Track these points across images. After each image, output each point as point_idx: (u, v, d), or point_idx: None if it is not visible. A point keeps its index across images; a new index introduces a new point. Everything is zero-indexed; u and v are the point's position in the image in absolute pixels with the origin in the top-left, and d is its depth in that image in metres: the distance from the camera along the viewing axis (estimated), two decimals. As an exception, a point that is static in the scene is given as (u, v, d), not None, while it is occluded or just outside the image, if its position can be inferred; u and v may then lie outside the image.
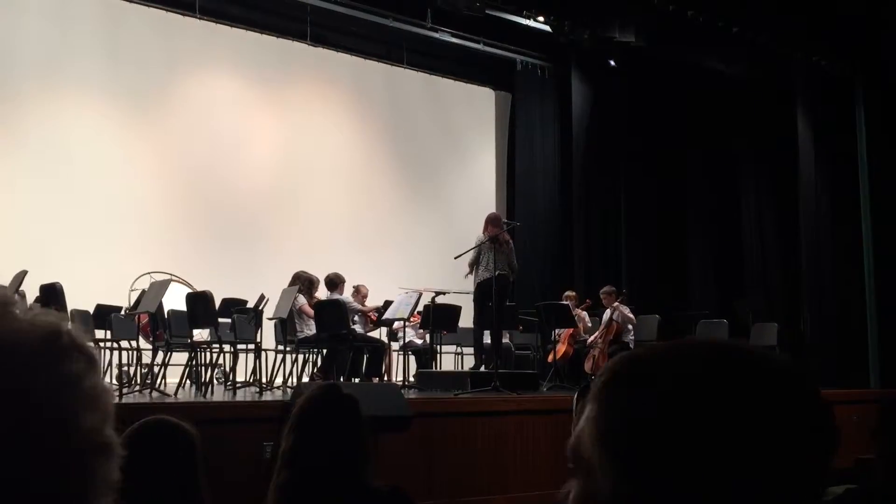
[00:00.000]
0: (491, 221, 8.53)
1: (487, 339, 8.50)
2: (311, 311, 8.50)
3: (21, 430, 0.48)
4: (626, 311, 9.94)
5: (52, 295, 6.85)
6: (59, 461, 0.49)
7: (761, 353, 0.71)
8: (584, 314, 10.25)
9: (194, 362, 7.88)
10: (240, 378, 8.03)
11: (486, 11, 11.02)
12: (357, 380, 8.20)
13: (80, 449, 0.50)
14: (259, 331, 7.83)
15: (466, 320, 9.11)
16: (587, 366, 9.71)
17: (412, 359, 9.58)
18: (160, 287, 7.71)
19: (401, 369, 8.96)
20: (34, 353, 0.49)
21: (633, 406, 0.67)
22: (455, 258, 8.31)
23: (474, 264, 8.28)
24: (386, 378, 9.11)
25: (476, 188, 13.16)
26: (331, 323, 8.06)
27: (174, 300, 8.29)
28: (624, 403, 0.68)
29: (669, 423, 0.65)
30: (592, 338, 9.98)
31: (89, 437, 0.50)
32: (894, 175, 10.96)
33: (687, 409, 0.65)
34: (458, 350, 10.18)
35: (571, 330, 9.76)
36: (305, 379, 8.25)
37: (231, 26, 11.33)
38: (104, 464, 0.51)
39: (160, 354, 7.62)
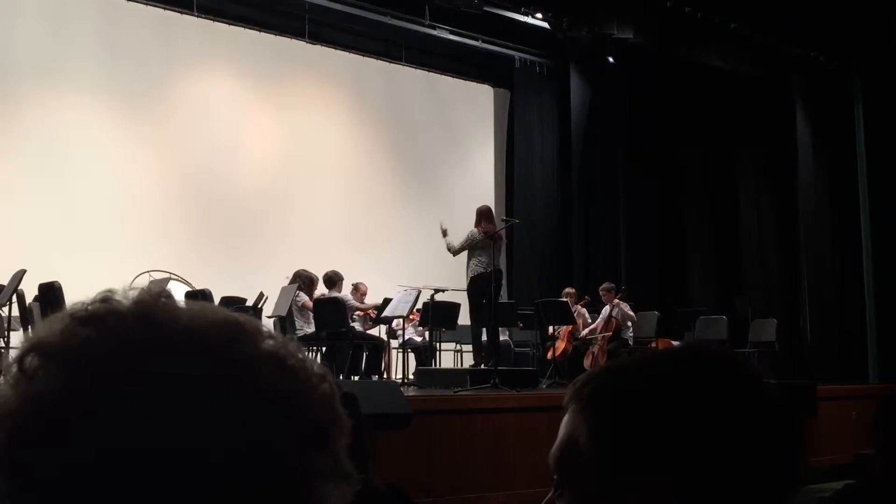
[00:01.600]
0: (483, 215, 8.45)
1: (486, 335, 8.50)
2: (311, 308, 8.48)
3: (287, 434, 0.54)
4: (626, 307, 9.94)
5: (50, 294, 6.83)
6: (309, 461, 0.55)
7: (714, 349, 0.80)
8: (584, 311, 10.25)
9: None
10: (239, 376, 8.01)
11: (484, 8, 11.02)
12: (356, 377, 8.20)
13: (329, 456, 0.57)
14: (258, 329, 7.81)
15: (466, 317, 9.10)
16: (586, 362, 9.71)
17: (411, 356, 9.58)
18: (159, 286, 7.69)
19: (400, 367, 8.96)
20: (271, 375, 0.55)
21: (623, 406, 0.74)
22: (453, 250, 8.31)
23: (458, 251, 8.26)
24: (385, 376, 9.11)
25: (475, 185, 13.14)
26: (330, 321, 8.07)
27: (173, 299, 8.27)
28: (614, 405, 0.74)
29: (655, 418, 0.72)
30: (588, 330, 9.97)
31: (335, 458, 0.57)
32: (893, 171, 10.96)
33: (665, 404, 0.72)
34: (458, 347, 10.18)
35: (571, 327, 9.76)
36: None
37: (229, 24, 11.32)
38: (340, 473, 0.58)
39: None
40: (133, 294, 0.55)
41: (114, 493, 0.49)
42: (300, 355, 0.58)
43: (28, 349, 0.52)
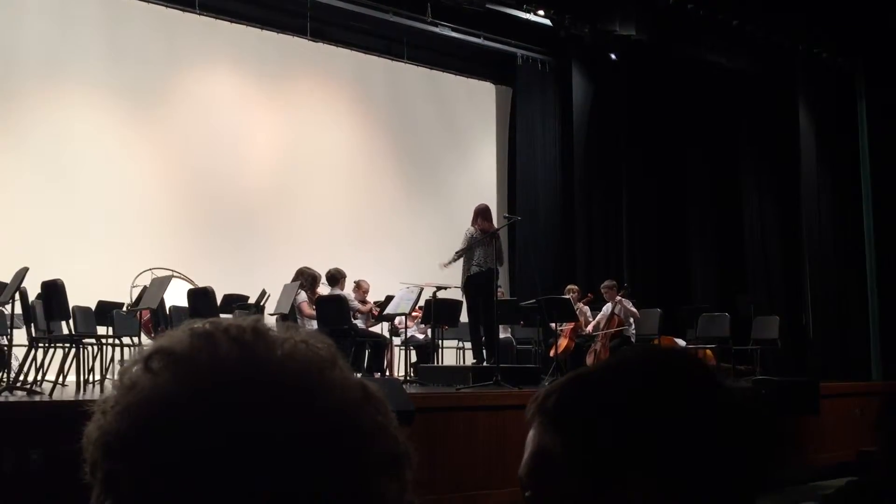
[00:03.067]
0: (481, 214, 8.44)
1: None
2: (307, 310, 8.49)
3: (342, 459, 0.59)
4: (628, 304, 9.93)
5: (53, 292, 6.83)
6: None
7: (678, 354, 0.81)
8: (587, 308, 10.24)
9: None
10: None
11: (487, 6, 11.02)
12: (359, 375, 8.19)
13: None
14: (261, 326, 7.80)
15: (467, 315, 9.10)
16: (589, 360, 9.70)
17: (413, 353, 9.59)
18: (161, 283, 7.70)
19: (402, 364, 8.96)
20: (359, 404, 0.62)
21: (596, 414, 0.74)
22: (447, 264, 8.23)
23: (462, 255, 8.20)
24: (387, 373, 9.12)
25: (477, 182, 13.14)
26: (332, 318, 8.08)
27: (176, 296, 8.30)
28: (591, 414, 0.74)
29: (627, 423, 0.72)
30: (591, 325, 9.97)
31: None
32: (896, 168, 10.95)
33: (636, 410, 0.72)
34: (460, 345, 10.19)
35: (573, 324, 9.75)
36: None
37: (231, 22, 11.32)
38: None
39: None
40: (243, 320, 0.63)
41: (219, 481, 0.55)
42: (379, 390, 0.64)
43: (154, 351, 0.60)
